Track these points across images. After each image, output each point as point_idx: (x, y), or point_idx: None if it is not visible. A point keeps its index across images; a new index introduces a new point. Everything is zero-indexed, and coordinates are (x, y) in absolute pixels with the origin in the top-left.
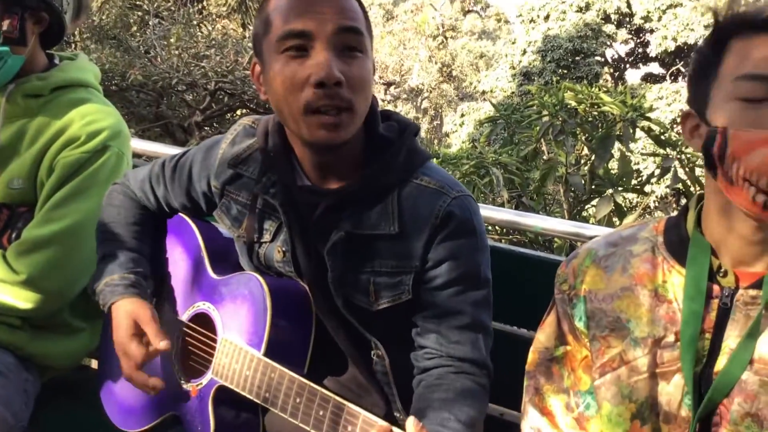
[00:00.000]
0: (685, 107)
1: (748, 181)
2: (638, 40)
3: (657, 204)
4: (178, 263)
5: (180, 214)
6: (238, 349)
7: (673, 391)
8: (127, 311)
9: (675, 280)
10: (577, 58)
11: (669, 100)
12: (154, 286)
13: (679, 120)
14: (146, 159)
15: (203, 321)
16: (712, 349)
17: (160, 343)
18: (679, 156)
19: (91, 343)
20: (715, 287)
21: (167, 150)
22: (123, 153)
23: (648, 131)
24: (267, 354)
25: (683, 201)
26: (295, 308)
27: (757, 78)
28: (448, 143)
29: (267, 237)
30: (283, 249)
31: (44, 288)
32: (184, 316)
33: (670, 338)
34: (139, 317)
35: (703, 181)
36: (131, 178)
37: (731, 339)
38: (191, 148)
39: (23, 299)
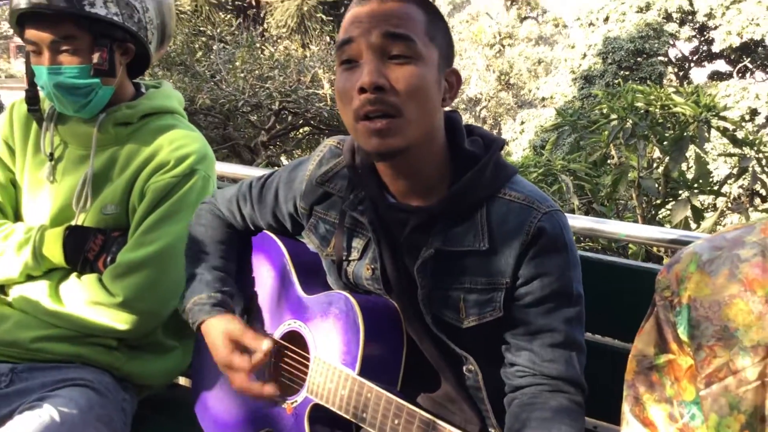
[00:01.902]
0: (753, 103)
1: None
2: (702, 38)
3: (730, 205)
4: (265, 281)
5: (265, 231)
6: (332, 368)
7: None
8: (218, 329)
9: None
10: (639, 58)
11: (737, 98)
12: (243, 304)
13: (747, 117)
14: (229, 181)
15: (295, 339)
16: None
17: (262, 345)
18: (757, 155)
19: (183, 362)
20: None
21: (247, 171)
22: (209, 176)
23: (723, 131)
24: (361, 373)
25: (757, 201)
26: (387, 326)
27: None
28: (509, 151)
29: (355, 255)
30: (372, 266)
31: (139, 309)
32: (276, 334)
33: None
34: (231, 331)
35: None
36: (219, 198)
37: None
38: (278, 170)
39: (120, 321)
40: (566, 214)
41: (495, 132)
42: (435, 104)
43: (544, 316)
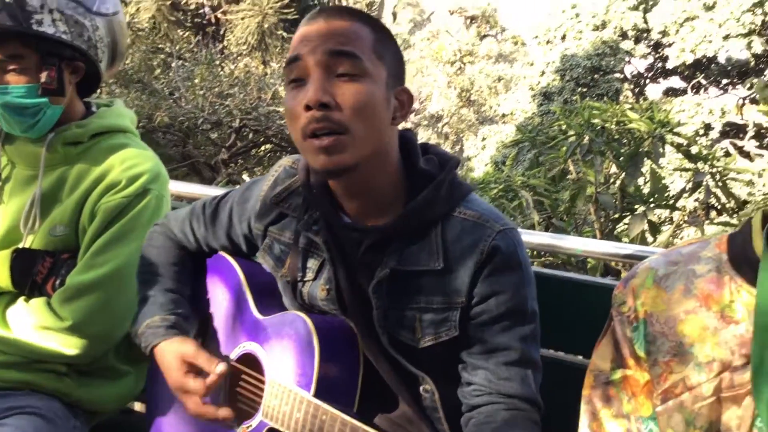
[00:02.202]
0: (707, 119)
1: None
2: (657, 55)
3: (687, 219)
4: (220, 303)
5: (220, 252)
6: (287, 390)
7: (743, 415)
8: (171, 352)
9: (744, 299)
10: (596, 75)
11: (691, 113)
12: (197, 327)
13: (702, 132)
14: (186, 200)
15: (250, 361)
16: None
17: (217, 368)
18: (710, 169)
19: (136, 387)
20: None
21: (204, 191)
22: (163, 195)
23: (677, 146)
24: (317, 395)
25: (713, 214)
26: (343, 346)
27: None
28: (471, 167)
29: (310, 275)
30: (327, 287)
31: (90, 333)
32: (231, 356)
33: (740, 361)
34: (185, 353)
35: (735, 194)
36: (172, 219)
37: None
38: (232, 190)
39: (69, 345)
40: (524, 231)
41: (458, 148)
42: (383, 122)
43: (500, 334)
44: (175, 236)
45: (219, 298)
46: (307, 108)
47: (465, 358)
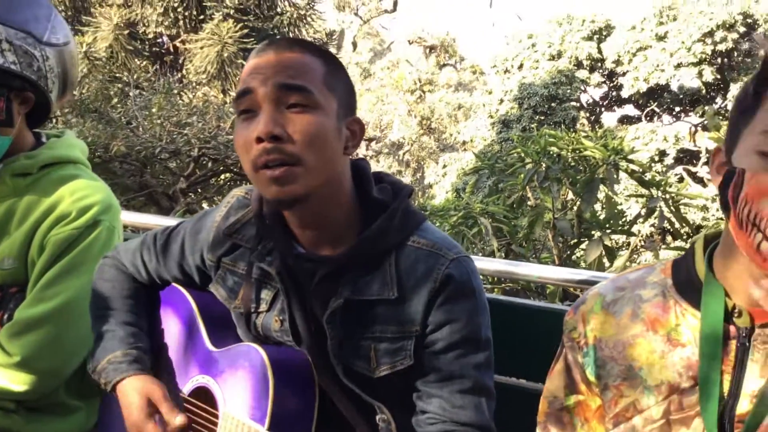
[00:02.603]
0: (661, 145)
1: (757, 227)
2: (611, 84)
3: (643, 243)
4: (173, 335)
5: (173, 284)
6: (241, 424)
7: None
8: (137, 390)
9: (689, 322)
10: (553, 104)
11: (646, 140)
12: (151, 360)
13: (656, 159)
14: (137, 231)
15: (203, 395)
16: (733, 391)
17: (177, 419)
18: (663, 195)
19: (87, 422)
20: (732, 328)
21: (157, 221)
22: (114, 227)
23: (630, 173)
24: (271, 428)
25: (668, 239)
26: (298, 378)
27: None
28: (432, 194)
29: (264, 306)
30: (281, 318)
31: (39, 368)
32: (184, 390)
33: (687, 383)
34: (151, 394)
35: (688, 219)
36: (122, 252)
37: (753, 380)
38: (183, 221)
39: (18, 381)
40: (480, 258)
41: (419, 175)
42: (335, 152)
43: (454, 362)
44: (126, 269)
45: (172, 330)
46: (259, 140)
47: (420, 387)
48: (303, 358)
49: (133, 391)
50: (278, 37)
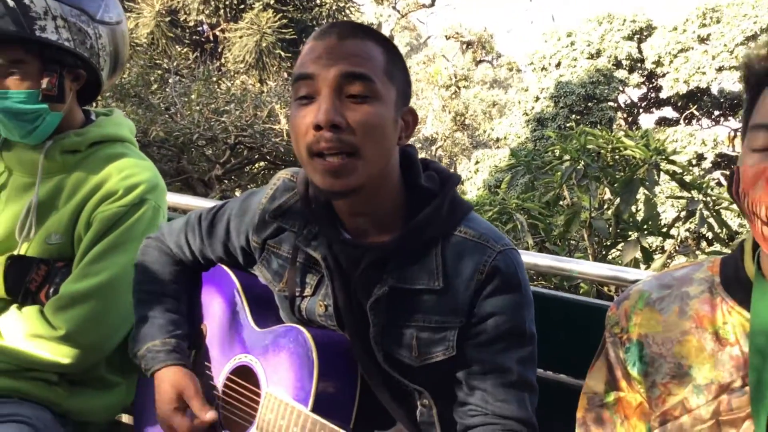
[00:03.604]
0: (699, 149)
1: (756, 214)
2: (650, 85)
3: (677, 248)
4: (216, 315)
5: (218, 264)
6: (284, 404)
7: None
8: (171, 382)
9: (735, 320)
10: (590, 103)
11: (684, 143)
12: (191, 342)
13: (694, 162)
14: (181, 212)
15: (245, 374)
16: None
17: (206, 416)
18: (704, 198)
19: (126, 398)
20: None
21: (199, 203)
22: (159, 206)
23: (672, 174)
24: (314, 409)
25: (703, 244)
26: (341, 361)
27: (761, 127)
28: (463, 190)
29: (308, 291)
30: (325, 303)
31: (82, 343)
32: (226, 368)
33: (737, 383)
34: (184, 390)
35: (729, 223)
36: (166, 232)
37: None
38: (229, 201)
39: (62, 354)
40: (526, 252)
41: (451, 171)
42: (391, 143)
43: (498, 355)
44: (170, 250)
45: (215, 310)
46: (317, 127)
47: (461, 378)
48: (347, 343)
49: (167, 383)
50: (338, 21)
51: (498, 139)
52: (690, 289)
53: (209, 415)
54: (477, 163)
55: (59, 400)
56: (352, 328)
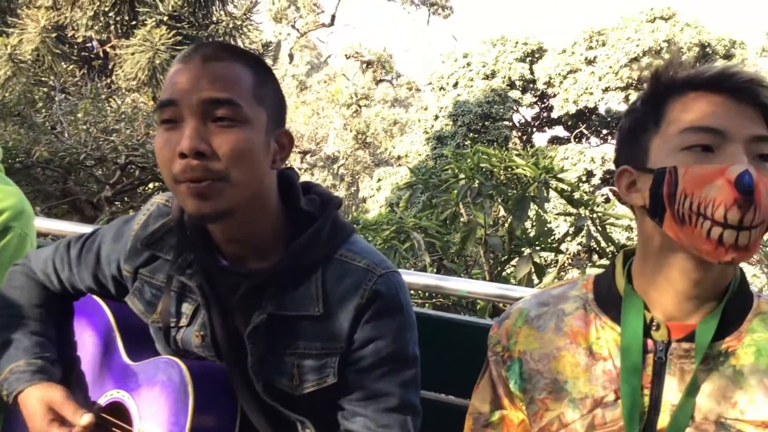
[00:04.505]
0: (589, 166)
1: (703, 215)
2: (542, 105)
3: (570, 261)
4: (87, 347)
5: (89, 294)
6: None
7: None
8: (38, 398)
9: (608, 336)
10: (486, 122)
11: (574, 160)
12: (62, 373)
13: (584, 179)
14: (52, 238)
15: (117, 411)
16: (652, 405)
17: (82, 419)
18: (591, 215)
19: None
20: (649, 342)
21: (73, 228)
22: (26, 234)
23: (560, 192)
24: None
25: (595, 257)
26: (220, 394)
27: (702, 129)
28: (366, 208)
29: (184, 321)
30: (202, 333)
31: None
32: (96, 405)
33: (610, 397)
34: (53, 401)
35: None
36: (33, 260)
37: (671, 394)
38: (99, 228)
39: None
40: (409, 272)
41: (353, 189)
42: (263, 167)
43: (380, 380)
44: (37, 277)
45: (86, 343)
46: (182, 155)
47: (344, 405)
48: (226, 373)
49: (34, 400)
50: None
51: (399, 157)
52: (565, 306)
53: (85, 418)
54: (379, 180)
55: None
56: (229, 358)
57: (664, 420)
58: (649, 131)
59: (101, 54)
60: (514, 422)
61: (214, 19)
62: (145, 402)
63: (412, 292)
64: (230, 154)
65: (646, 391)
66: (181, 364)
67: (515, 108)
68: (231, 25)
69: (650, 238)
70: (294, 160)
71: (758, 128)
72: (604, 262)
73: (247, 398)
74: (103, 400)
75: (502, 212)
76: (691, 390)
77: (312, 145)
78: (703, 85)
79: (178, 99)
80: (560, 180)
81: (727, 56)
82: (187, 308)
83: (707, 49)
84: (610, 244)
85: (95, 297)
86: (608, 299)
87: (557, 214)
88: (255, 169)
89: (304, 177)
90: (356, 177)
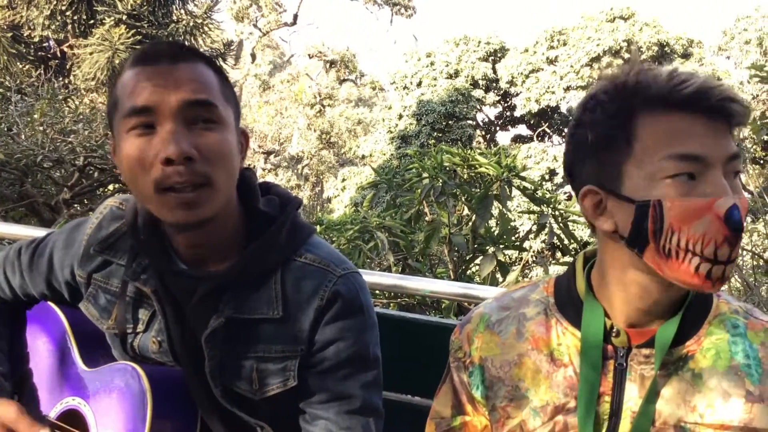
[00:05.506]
0: (551, 165)
1: (692, 251)
2: (505, 104)
3: (535, 258)
4: (42, 355)
5: (43, 301)
6: None
7: None
8: None
9: (569, 342)
10: (450, 121)
11: (537, 159)
12: (15, 384)
13: (547, 177)
14: (8, 242)
15: (73, 419)
16: (614, 411)
17: None
18: (553, 212)
19: None
20: (609, 348)
21: (31, 232)
22: None
23: (523, 190)
24: None
25: (558, 254)
26: (179, 399)
27: (688, 158)
28: (331, 208)
29: (141, 327)
30: (159, 339)
31: None
32: (51, 414)
33: (572, 404)
34: (6, 418)
35: (576, 235)
36: None
37: (632, 400)
38: (51, 233)
39: None
40: (370, 272)
41: (318, 189)
42: (237, 167)
43: (341, 382)
44: None
45: (41, 350)
46: (168, 161)
47: (305, 408)
48: (185, 379)
49: None
50: (161, 41)
51: (364, 157)
52: (527, 311)
53: None
54: (344, 180)
55: None
56: (187, 364)
57: (625, 426)
58: (621, 152)
59: (58, 54)
60: (477, 428)
61: (174, 17)
62: (102, 409)
63: (377, 292)
64: (216, 156)
65: (607, 398)
66: (140, 370)
67: (478, 107)
68: (191, 24)
69: (614, 260)
70: (258, 161)
71: (730, 145)
72: (568, 259)
73: (204, 404)
74: (59, 408)
75: (465, 211)
76: (651, 395)
77: (276, 146)
78: (677, 104)
79: (154, 103)
80: (523, 178)
81: (685, 55)
82: (143, 314)
83: (666, 49)
84: (572, 241)
85: (50, 303)
86: (569, 302)
87: (521, 212)
88: (233, 171)
89: (268, 177)
90: (321, 177)
